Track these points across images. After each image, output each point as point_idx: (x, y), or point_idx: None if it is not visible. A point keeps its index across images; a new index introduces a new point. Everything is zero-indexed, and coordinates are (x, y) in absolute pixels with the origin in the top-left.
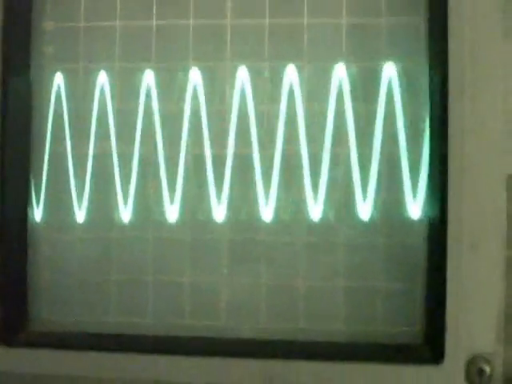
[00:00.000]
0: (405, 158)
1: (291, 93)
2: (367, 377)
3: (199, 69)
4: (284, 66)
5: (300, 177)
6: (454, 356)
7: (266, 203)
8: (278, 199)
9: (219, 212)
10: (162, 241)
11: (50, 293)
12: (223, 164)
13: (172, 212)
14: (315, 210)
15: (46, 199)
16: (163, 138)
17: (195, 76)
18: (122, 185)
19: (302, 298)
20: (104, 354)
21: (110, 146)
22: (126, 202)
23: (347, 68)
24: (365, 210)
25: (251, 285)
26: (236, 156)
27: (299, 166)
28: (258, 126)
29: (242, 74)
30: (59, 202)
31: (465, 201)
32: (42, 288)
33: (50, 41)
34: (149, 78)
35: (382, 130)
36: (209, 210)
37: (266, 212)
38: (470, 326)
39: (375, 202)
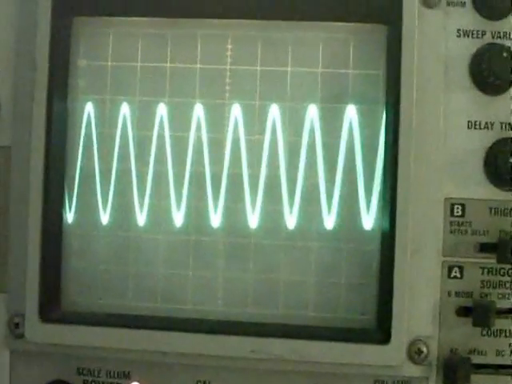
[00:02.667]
0: (361, 181)
1: (274, 126)
2: (331, 352)
3: (202, 104)
4: (269, 105)
5: (279, 193)
6: (398, 338)
7: (253, 213)
8: (262, 211)
9: (216, 219)
10: (170, 241)
11: (79, 280)
12: (219, 180)
13: (178, 218)
14: (291, 220)
15: (77, 205)
16: (172, 158)
17: (199, 110)
18: (138, 195)
19: (281, 290)
20: (121, 329)
21: (130, 164)
22: (141, 210)
23: (318, 108)
24: (330, 221)
25: (241, 278)
26: (229, 175)
27: (279, 185)
28: (247, 152)
29: (236, 110)
30: (88, 207)
31: (410, 216)
32: (72, 276)
33: (83, 76)
34: (162, 110)
35: (344, 159)
36: (207, 217)
37: (253, 220)
38: (411, 315)
39: (338, 215)
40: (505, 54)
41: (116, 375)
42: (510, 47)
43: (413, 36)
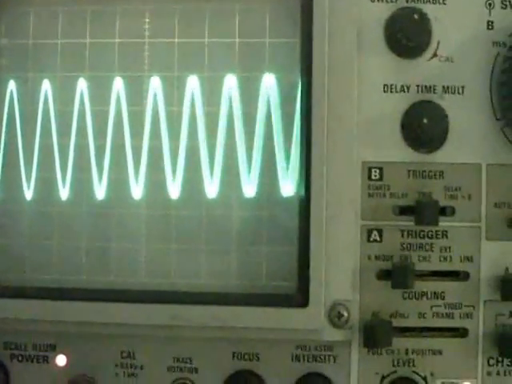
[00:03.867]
0: (281, 149)
1: (193, 97)
2: (251, 318)
3: (121, 78)
4: (188, 77)
5: (199, 164)
6: (316, 302)
7: (174, 184)
8: (183, 181)
9: (137, 191)
10: (92, 214)
11: (3, 254)
12: (140, 153)
13: (100, 191)
14: (211, 190)
15: (0, 181)
16: (93, 132)
17: (118, 84)
18: (60, 169)
19: (204, 259)
20: (45, 301)
21: (52, 139)
22: (64, 184)
23: (237, 78)
24: (250, 189)
25: (163, 249)
26: (150, 147)
27: (199, 156)
28: (167, 124)
29: (155, 83)
30: (11, 183)
31: (325, 181)
32: None
33: (4, 54)
34: (82, 85)
35: (263, 127)
36: (128, 190)
37: (174, 191)
38: (331, 279)
39: (258, 183)
40: (416, 17)
41: (42, 348)
42: (421, 10)
43: (324, 2)
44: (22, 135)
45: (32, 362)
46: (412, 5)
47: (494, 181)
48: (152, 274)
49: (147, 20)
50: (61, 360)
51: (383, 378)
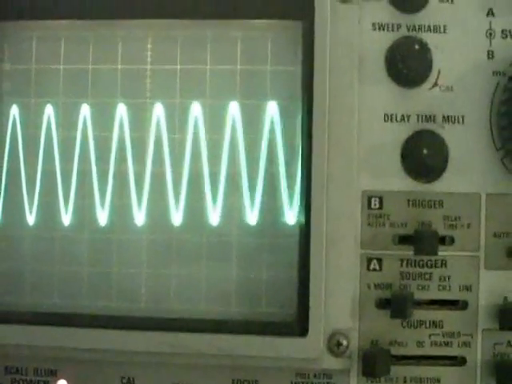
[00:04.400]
0: (283, 177)
1: (196, 124)
2: (250, 346)
3: (124, 104)
4: (191, 103)
5: (202, 190)
6: (315, 330)
7: (176, 210)
8: (186, 208)
9: (140, 217)
10: (94, 240)
11: (5, 279)
12: (143, 179)
13: (102, 217)
14: (214, 216)
15: (3, 206)
16: (96, 158)
17: (122, 110)
18: (63, 195)
19: (204, 286)
20: (46, 327)
21: (54, 164)
22: (66, 209)
23: (239, 105)
24: (253, 216)
25: (163, 275)
26: (153, 173)
27: (202, 182)
28: (170, 150)
29: (158, 109)
30: (14, 208)
31: (325, 209)
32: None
33: (7, 79)
34: (85, 111)
35: (266, 155)
36: (131, 216)
37: (176, 217)
38: (330, 308)
39: (261, 210)
40: (417, 47)
41: (43, 373)
42: (422, 39)
43: (325, 31)
44: (25, 160)
45: None
46: (413, 34)
47: (494, 210)
48: (152, 300)
49: (149, 46)
50: None
51: None
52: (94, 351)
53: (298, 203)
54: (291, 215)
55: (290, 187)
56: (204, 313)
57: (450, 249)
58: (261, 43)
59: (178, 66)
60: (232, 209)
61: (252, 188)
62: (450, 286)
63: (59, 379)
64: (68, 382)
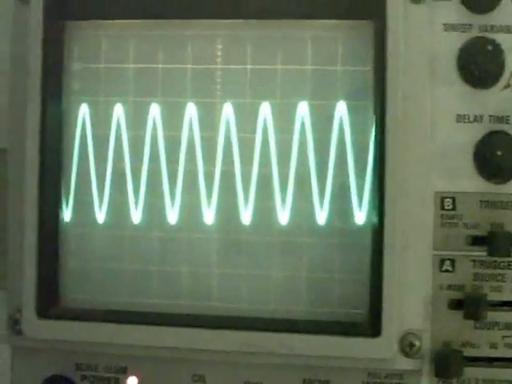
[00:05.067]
0: (353, 177)
1: (265, 124)
2: (321, 346)
3: (194, 104)
4: (260, 104)
5: (272, 190)
6: (388, 331)
7: (246, 210)
8: (255, 207)
9: (209, 216)
10: (164, 239)
11: (76, 277)
12: (212, 178)
13: (172, 216)
14: (283, 216)
15: (73, 204)
16: (165, 157)
17: (191, 109)
18: (133, 194)
19: (274, 286)
20: (117, 325)
21: (124, 163)
22: (136, 208)
23: (309, 105)
24: (322, 217)
25: (234, 274)
26: (222, 172)
27: (271, 182)
28: (239, 150)
29: (228, 109)
30: (84, 207)
31: (398, 210)
32: (69, 273)
33: (76, 78)
34: (155, 110)
35: (335, 155)
36: (201, 215)
37: (246, 217)
38: (403, 308)
39: (330, 210)
40: (490, 47)
41: (113, 370)
42: (495, 40)
43: (398, 31)
44: (95, 159)
45: (103, 383)
46: (485, 34)
47: None
48: (223, 299)
49: (219, 46)
50: (132, 382)
51: None
52: (165, 349)
53: (369, 204)
54: (361, 215)
55: (360, 188)
56: (275, 312)
57: None
58: (331, 43)
59: (248, 66)
60: (301, 209)
61: (321, 187)
62: None
63: (129, 376)
64: (138, 379)
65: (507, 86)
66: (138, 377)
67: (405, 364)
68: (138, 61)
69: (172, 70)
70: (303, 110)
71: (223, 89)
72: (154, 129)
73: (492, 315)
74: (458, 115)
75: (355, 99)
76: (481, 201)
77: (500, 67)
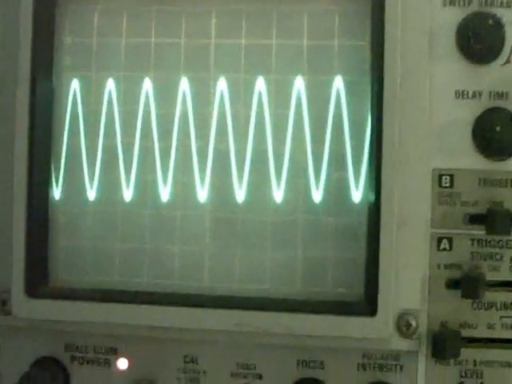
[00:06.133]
0: (350, 154)
1: (260, 99)
2: (316, 325)
3: (187, 79)
4: (255, 78)
5: (266, 167)
6: (384, 310)
7: (240, 187)
8: (249, 185)
9: (202, 194)
10: (156, 216)
11: (66, 256)
12: (206, 155)
13: (165, 193)
14: (278, 194)
15: (63, 182)
16: (158, 133)
17: (184, 84)
18: (124, 170)
19: (268, 265)
20: (108, 304)
21: (116, 140)
22: (128, 185)
23: (305, 80)
24: (317, 194)
25: (227, 253)
26: (216, 149)
27: (266, 159)
28: (233, 126)
29: (222, 84)
30: (74, 184)
31: (395, 188)
32: (59, 252)
33: (68, 53)
34: (147, 85)
35: (331, 131)
36: (194, 192)
37: (240, 195)
38: (399, 288)
39: (325, 188)
40: (490, 22)
41: (103, 351)
42: (495, 15)
43: (396, 5)
44: (85, 135)
45: (93, 364)
46: (485, 9)
47: None
48: (216, 278)
49: (214, 20)
50: (122, 363)
51: None
52: (156, 329)
53: (365, 181)
54: (357, 193)
55: (356, 164)
56: (269, 292)
57: None
58: (328, 17)
59: (243, 41)
60: (296, 186)
61: (317, 165)
62: None
63: (120, 357)
64: (129, 360)
65: (507, 62)
66: (128, 358)
67: (401, 344)
68: (131, 35)
69: (165, 45)
70: (299, 84)
71: (217, 63)
72: (147, 104)
73: (489, 295)
74: (457, 91)
75: (352, 74)
76: (479, 178)
77: (500, 42)
